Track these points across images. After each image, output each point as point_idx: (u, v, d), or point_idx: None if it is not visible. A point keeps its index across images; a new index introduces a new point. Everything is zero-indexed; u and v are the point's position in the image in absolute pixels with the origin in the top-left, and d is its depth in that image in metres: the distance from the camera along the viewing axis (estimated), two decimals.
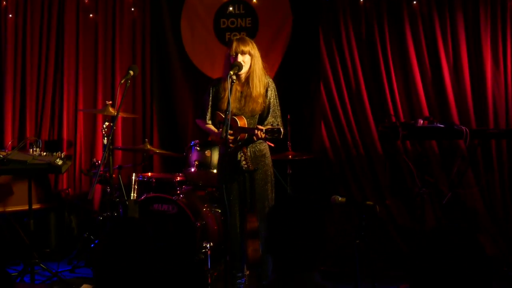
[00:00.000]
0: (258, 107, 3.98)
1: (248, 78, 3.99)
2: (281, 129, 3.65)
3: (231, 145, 3.83)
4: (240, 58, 3.91)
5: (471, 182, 5.34)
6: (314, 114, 5.78)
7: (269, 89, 4.02)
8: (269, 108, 4.01)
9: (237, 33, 4.16)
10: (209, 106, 4.13)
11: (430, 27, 5.49)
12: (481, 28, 5.38)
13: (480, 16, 5.38)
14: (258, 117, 4.02)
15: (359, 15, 5.65)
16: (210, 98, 4.12)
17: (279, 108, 4.07)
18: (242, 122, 3.91)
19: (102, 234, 4.54)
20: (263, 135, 3.69)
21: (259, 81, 3.97)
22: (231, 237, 3.91)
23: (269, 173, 4.05)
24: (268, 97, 4.01)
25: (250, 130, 3.84)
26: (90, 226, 5.25)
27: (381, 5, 5.59)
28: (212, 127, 4.14)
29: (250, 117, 3.99)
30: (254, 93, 3.95)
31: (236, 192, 3.95)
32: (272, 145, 4.24)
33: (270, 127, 3.74)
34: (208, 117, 4.15)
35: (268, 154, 4.08)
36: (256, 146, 4.01)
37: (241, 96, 3.99)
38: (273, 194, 4.06)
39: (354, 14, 5.65)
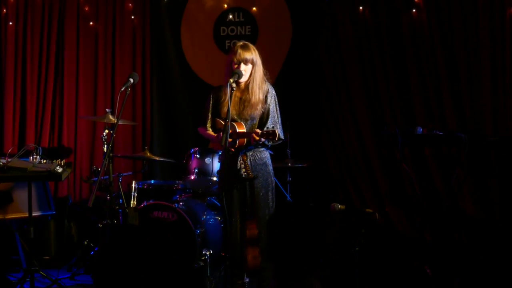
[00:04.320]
0: (257, 112, 3.96)
1: (248, 84, 3.97)
2: (277, 132, 3.66)
3: (231, 149, 3.84)
4: (242, 67, 3.90)
5: (470, 189, 5.34)
6: (313, 121, 5.80)
7: (268, 95, 3.99)
8: (268, 114, 3.99)
9: (236, 41, 4.13)
10: (210, 113, 4.12)
11: (429, 34, 5.51)
12: (480, 33, 5.39)
13: (479, 21, 5.40)
14: (258, 123, 4.01)
15: (358, 22, 5.67)
16: (211, 105, 4.11)
17: (279, 114, 4.05)
18: (241, 128, 3.92)
19: (101, 242, 4.53)
20: (258, 138, 3.69)
21: (259, 88, 3.95)
22: (232, 245, 3.90)
23: (270, 181, 4.03)
24: (268, 103, 3.99)
25: (246, 134, 3.85)
26: (90, 234, 5.25)
27: (380, 13, 5.62)
28: (212, 133, 4.13)
29: (249, 122, 3.98)
30: (253, 99, 3.93)
31: (237, 200, 3.95)
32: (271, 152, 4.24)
33: (265, 129, 3.74)
34: (208, 124, 4.14)
35: (269, 162, 4.06)
36: (256, 154, 3.99)
37: (240, 101, 3.97)
38: (274, 203, 4.02)
39: (353, 21, 5.68)
